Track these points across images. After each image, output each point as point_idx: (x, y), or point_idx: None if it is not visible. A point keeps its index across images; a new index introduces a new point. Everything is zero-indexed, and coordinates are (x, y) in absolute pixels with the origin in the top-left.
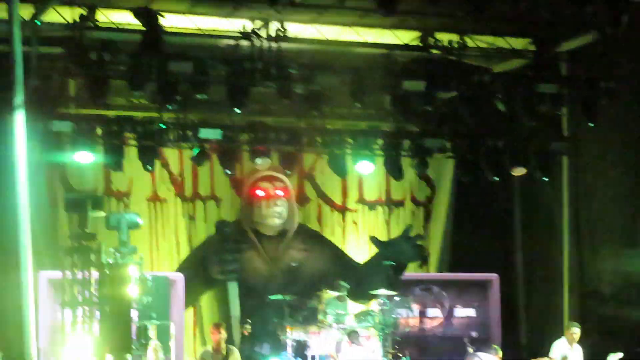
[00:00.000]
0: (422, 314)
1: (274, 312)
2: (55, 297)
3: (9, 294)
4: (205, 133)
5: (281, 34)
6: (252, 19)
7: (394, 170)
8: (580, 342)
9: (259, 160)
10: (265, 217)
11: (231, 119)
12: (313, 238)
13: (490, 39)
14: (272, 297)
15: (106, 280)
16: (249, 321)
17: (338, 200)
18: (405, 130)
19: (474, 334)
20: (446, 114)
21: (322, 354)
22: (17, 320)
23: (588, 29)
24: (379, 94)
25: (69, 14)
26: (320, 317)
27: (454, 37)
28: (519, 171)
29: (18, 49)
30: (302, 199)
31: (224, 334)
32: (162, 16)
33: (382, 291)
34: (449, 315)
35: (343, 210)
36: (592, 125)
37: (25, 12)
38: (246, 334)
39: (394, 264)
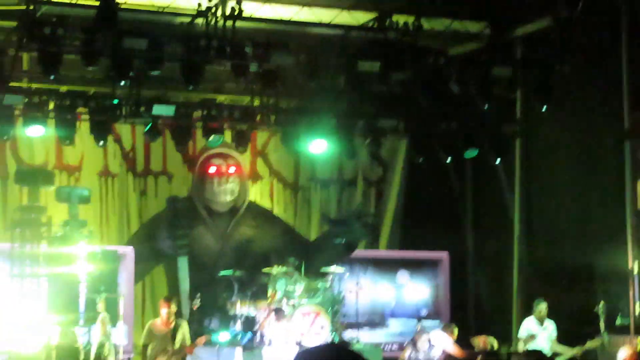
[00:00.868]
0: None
1: (223, 287)
2: (4, 269)
3: None
4: (158, 109)
5: (237, 12)
6: None
7: (346, 150)
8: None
9: (211, 138)
10: (216, 193)
11: (185, 95)
12: (264, 215)
13: (446, 22)
14: (222, 273)
15: (55, 253)
16: (199, 296)
17: (290, 178)
18: (360, 111)
19: (424, 311)
20: (400, 95)
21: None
22: None
23: (543, 14)
24: (334, 74)
25: None
26: (269, 292)
27: (410, 19)
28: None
29: None
30: (254, 176)
31: (173, 308)
32: None
33: (332, 268)
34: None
35: (295, 187)
36: (545, 109)
37: None
38: (195, 308)
39: (344, 241)
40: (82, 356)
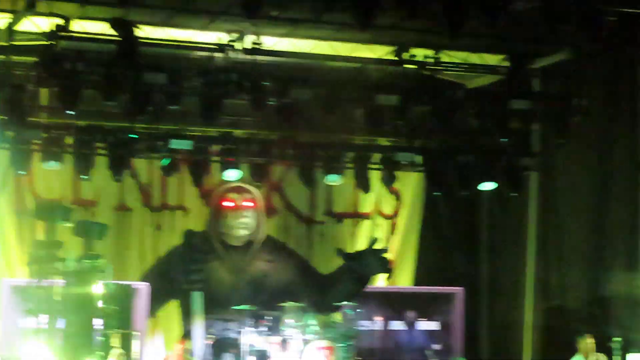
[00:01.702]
0: (385, 326)
1: (237, 321)
2: (19, 304)
3: None
4: (176, 144)
5: (256, 47)
6: (228, 32)
7: (362, 183)
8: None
9: (230, 173)
10: (232, 227)
11: (202, 129)
12: (279, 249)
13: (464, 54)
14: (236, 307)
15: (71, 288)
16: (212, 330)
17: (305, 212)
18: (376, 144)
19: (436, 346)
20: (418, 128)
21: None
22: None
23: (562, 47)
24: (351, 108)
25: (45, 24)
26: (282, 327)
27: (429, 53)
28: None
29: None
30: (269, 210)
31: (188, 344)
32: (137, 27)
33: (346, 302)
34: (411, 327)
35: (310, 222)
36: (562, 142)
37: (0, 21)
38: (209, 343)
39: (358, 275)
40: None
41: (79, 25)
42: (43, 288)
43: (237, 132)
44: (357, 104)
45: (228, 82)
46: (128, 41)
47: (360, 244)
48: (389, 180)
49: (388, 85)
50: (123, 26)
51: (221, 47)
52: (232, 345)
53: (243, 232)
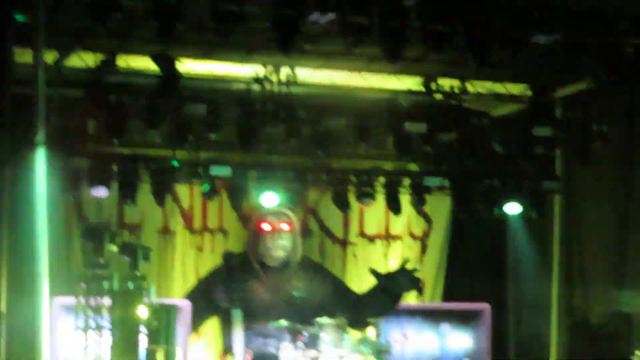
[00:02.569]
0: (417, 341)
1: (275, 338)
2: (69, 322)
3: (25, 319)
4: (215, 170)
5: (291, 79)
6: (264, 65)
7: (393, 207)
8: None
9: (265, 196)
10: (270, 249)
11: (240, 157)
12: (315, 269)
13: (489, 84)
14: (274, 324)
15: (117, 307)
16: (251, 347)
17: (339, 234)
18: (406, 170)
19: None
20: (445, 154)
21: None
22: (30, 342)
23: (582, 77)
24: (382, 135)
25: (91, 59)
26: (319, 343)
27: (455, 83)
28: None
29: (41, 91)
30: (305, 233)
31: (228, 358)
32: (179, 61)
33: (380, 319)
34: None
35: (344, 243)
36: (584, 166)
37: (50, 57)
38: (248, 357)
39: (391, 294)
40: None
41: (122, 60)
42: (91, 307)
43: (274, 159)
44: (388, 131)
45: (265, 112)
46: (170, 74)
47: (392, 264)
48: (418, 203)
49: (416, 114)
50: (164, 61)
51: (258, 80)
52: (271, 359)
53: (280, 254)
